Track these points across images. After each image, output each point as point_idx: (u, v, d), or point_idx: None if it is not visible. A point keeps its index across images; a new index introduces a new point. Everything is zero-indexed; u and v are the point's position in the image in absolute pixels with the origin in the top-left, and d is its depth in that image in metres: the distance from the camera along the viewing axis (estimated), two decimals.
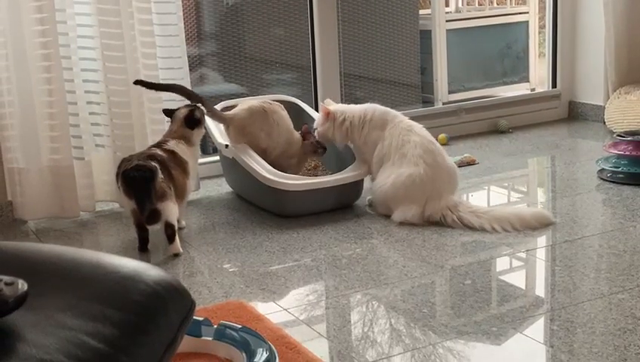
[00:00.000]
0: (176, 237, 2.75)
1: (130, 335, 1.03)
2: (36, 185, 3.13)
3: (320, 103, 3.30)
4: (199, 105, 3.06)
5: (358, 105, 3.23)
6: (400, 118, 3.14)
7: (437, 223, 2.91)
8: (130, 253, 2.80)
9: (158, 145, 2.91)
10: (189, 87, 3.28)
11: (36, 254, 1.19)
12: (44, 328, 1.00)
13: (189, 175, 2.93)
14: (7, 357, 0.94)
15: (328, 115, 3.17)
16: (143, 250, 2.80)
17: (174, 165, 2.83)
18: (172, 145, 2.91)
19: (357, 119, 3.14)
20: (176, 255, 2.74)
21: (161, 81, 3.23)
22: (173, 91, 3.10)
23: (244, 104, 3.21)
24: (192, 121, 3.00)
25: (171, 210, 2.71)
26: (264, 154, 3.16)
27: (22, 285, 1.00)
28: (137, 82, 3.05)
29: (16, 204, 3.19)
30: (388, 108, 3.20)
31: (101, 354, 0.98)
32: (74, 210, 3.19)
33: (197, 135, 3.03)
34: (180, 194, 2.83)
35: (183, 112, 3.02)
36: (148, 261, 2.77)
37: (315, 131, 3.23)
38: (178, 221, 2.82)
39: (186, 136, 2.98)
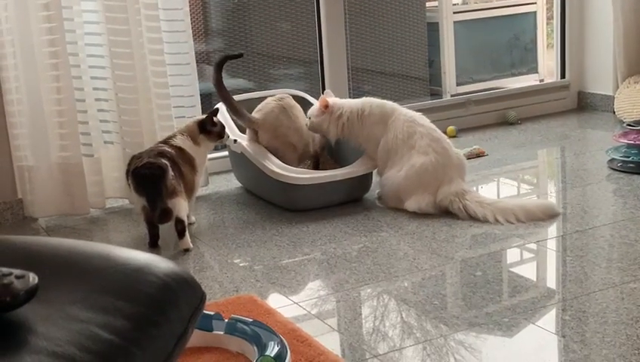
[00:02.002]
0: (187, 232, 2.76)
1: (141, 328, 1.03)
2: (46, 182, 3.14)
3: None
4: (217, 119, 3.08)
5: (355, 100, 3.22)
6: (399, 109, 3.13)
7: (447, 215, 2.90)
8: (141, 249, 2.75)
9: (165, 141, 2.92)
10: (196, 82, 3.32)
11: (46, 248, 1.19)
12: (55, 321, 0.99)
13: (197, 171, 2.94)
14: (18, 350, 0.94)
15: (326, 108, 3.17)
16: (153, 245, 2.80)
17: (183, 162, 2.83)
18: (179, 141, 2.91)
19: (354, 115, 3.14)
20: (187, 250, 2.75)
21: (168, 77, 3.24)
22: (220, 94, 3.14)
23: (263, 107, 3.18)
24: (204, 126, 3.00)
25: (181, 206, 2.72)
26: (294, 149, 3.17)
27: (32, 278, 1.00)
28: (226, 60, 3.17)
29: (26, 202, 3.19)
30: (384, 101, 3.19)
31: (113, 345, 0.98)
32: (84, 206, 3.20)
33: (203, 140, 3.00)
34: (189, 190, 2.84)
35: (201, 118, 3.06)
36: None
37: (309, 120, 3.22)
38: (188, 216, 2.83)
39: (194, 135, 2.98)
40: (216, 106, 3.16)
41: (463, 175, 3.03)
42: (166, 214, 2.68)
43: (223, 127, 3.08)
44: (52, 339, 0.96)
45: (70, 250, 1.17)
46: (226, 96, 3.15)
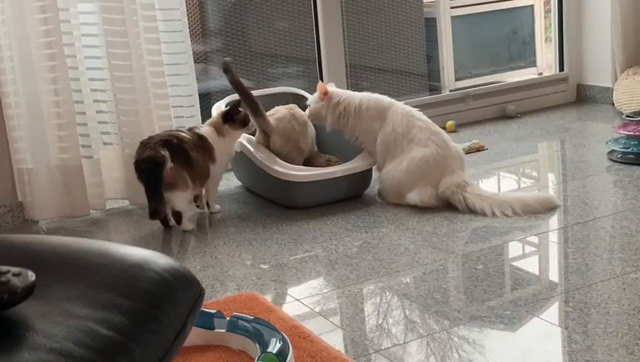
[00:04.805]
0: (184, 218, 2.91)
1: (139, 323, 1.03)
2: (46, 185, 3.14)
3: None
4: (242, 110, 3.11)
5: (355, 93, 3.23)
6: (396, 104, 3.15)
7: (447, 210, 2.90)
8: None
9: (190, 128, 3.03)
10: (194, 81, 3.33)
11: (44, 245, 1.19)
12: (53, 317, 0.99)
13: (215, 160, 3.01)
14: (17, 347, 0.93)
15: (325, 95, 3.17)
16: (163, 225, 2.97)
17: (196, 147, 2.92)
18: (203, 130, 3.02)
19: (352, 107, 3.14)
20: (186, 231, 2.92)
21: (167, 77, 3.25)
22: (241, 93, 3.13)
23: (275, 113, 3.20)
24: (229, 116, 3.08)
25: (178, 198, 2.86)
26: (301, 153, 3.21)
27: (30, 275, 1.00)
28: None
29: (26, 205, 3.19)
30: (382, 96, 3.20)
31: (111, 341, 0.97)
32: (84, 208, 3.20)
33: (227, 130, 3.07)
34: (202, 177, 2.95)
35: (225, 108, 3.17)
36: (169, 238, 2.91)
37: (307, 108, 3.23)
38: (209, 205, 3.07)
39: (218, 126, 3.07)
40: (238, 99, 3.16)
41: (463, 167, 3.03)
42: (155, 214, 2.81)
43: (247, 116, 3.11)
44: (50, 336, 0.95)
45: (68, 247, 1.17)
46: (248, 95, 3.14)
